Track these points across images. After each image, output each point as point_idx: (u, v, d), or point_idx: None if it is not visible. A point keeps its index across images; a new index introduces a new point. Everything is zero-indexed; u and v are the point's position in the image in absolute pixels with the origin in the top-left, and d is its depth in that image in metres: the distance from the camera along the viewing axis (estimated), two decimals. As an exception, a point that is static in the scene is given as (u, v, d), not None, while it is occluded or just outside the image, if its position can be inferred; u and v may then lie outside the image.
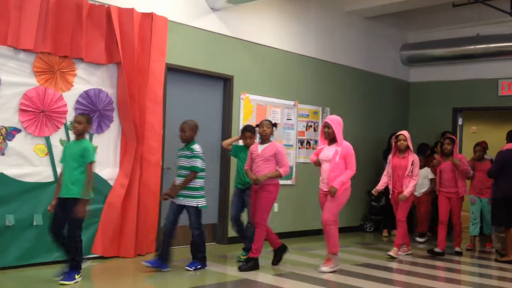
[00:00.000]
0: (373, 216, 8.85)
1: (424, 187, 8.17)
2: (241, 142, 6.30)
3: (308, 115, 8.33)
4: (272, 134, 5.80)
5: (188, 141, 5.56)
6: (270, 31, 7.81)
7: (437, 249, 7.03)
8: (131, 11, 5.97)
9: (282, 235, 7.47)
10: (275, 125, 5.86)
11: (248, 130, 6.08)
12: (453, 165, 7.10)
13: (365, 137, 9.23)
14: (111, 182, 5.97)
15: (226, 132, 7.22)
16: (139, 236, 6.09)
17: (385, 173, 6.95)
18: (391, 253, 6.71)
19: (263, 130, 5.75)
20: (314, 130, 8.42)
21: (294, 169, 8.05)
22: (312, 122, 8.40)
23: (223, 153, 7.19)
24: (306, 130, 8.30)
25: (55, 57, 5.51)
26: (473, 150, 7.75)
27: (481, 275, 6.19)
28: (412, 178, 6.69)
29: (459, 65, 9.88)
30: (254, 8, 7.46)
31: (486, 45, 9.29)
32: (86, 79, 5.80)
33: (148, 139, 6.14)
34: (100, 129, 5.90)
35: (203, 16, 6.92)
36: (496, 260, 6.84)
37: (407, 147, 6.74)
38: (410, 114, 10.45)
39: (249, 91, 7.47)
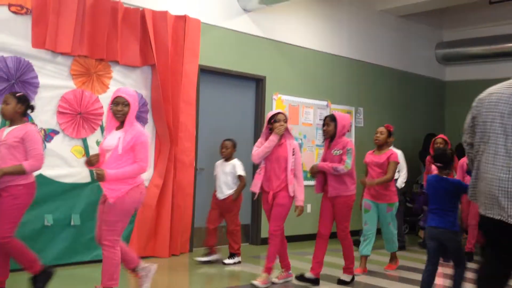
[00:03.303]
0: (408, 217, 8.71)
1: None
2: None
3: (341, 115, 8.27)
4: (20, 112, 4.16)
5: None
6: (302, 31, 7.78)
7: (308, 274, 5.08)
8: (164, 14, 6.04)
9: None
10: (21, 98, 4.18)
11: None
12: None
13: (400, 138, 9.09)
14: (146, 183, 6.03)
15: (258, 132, 7.23)
16: (173, 236, 6.15)
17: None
18: (256, 282, 4.80)
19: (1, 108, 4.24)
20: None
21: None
22: (345, 122, 8.32)
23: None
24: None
25: (92, 60, 5.63)
26: None
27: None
28: (295, 175, 4.89)
29: (496, 63, 9.65)
30: (286, 9, 7.45)
31: (524, 43, 9.06)
32: (121, 82, 5.89)
33: (181, 140, 6.20)
34: (135, 131, 5.99)
35: (235, 18, 6.95)
36: None
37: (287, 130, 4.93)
38: (446, 114, 10.26)
39: (282, 91, 7.46)
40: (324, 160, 5.16)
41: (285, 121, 4.92)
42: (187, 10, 6.36)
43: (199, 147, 6.54)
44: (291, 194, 4.87)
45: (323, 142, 5.45)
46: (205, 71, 6.66)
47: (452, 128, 9.81)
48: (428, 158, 7.14)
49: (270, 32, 7.34)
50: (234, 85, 7.10)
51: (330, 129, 5.11)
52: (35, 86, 5.26)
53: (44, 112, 5.35)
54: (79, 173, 5.56)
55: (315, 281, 5.06)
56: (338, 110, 8.22)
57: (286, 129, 4.93)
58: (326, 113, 8.01)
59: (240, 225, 5.96)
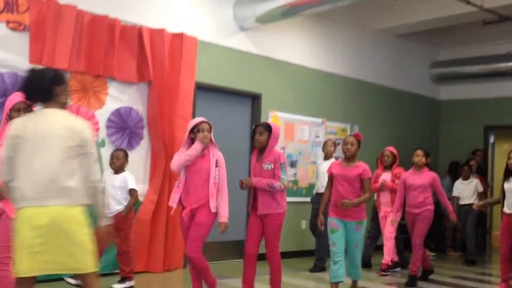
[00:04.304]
0: (404, 234, 8.71)
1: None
2: None
3: (336, 132, 8.34)
4: None
5: None
6: (298, 49, 7.87)
7: None
8: (162, 31, 6.12)
9: (311, 253, 7.45)
10: None
11: None
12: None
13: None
14: (141, 198, 6.06)
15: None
16: (168, 251, 6.16)
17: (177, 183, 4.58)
18: None
19: None
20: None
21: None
22: (340, 139, 8.36)
23: (251, 170, 7.22)
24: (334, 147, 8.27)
25: (88, 76, 5.68)
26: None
27: None
28: (218, 189, 4.45)
29: (490, 83, 9.76)
30: (283, 27, 7.54)
31: (518, 63, 9.17)
32: (118, 98, 5.94)
33: (177, 156, 6.22)
34: (130, 146, 6.03)
35: (232, 36, 7.04)
36: None
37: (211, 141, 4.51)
38: (440, 132, 10.33)
39: (278, 108, 7.52)
40: (254, 175, 4.69)
41: (209, 130, 4.48)
42: (184, 28, 6.44)
43: (194, 163, 6.56)
44: (213, 210, 4.38)
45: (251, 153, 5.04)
46: (202, 88, 6.72)
47: (445, 147, 9.88)
48: (376, 171, 6.88)
49: (266, 50, 7.43)
50: (231, 102, 7.16)
51: (263, 139, 4.63)
52: (32, 101, 5.30)
53: (41, 127, 5.37)
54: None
55: None
56: (334, 127, 8.29)
57: (210, 140, 4.49)
58: (321, 130, 8.08)
59: (131, 246, 5.30)
